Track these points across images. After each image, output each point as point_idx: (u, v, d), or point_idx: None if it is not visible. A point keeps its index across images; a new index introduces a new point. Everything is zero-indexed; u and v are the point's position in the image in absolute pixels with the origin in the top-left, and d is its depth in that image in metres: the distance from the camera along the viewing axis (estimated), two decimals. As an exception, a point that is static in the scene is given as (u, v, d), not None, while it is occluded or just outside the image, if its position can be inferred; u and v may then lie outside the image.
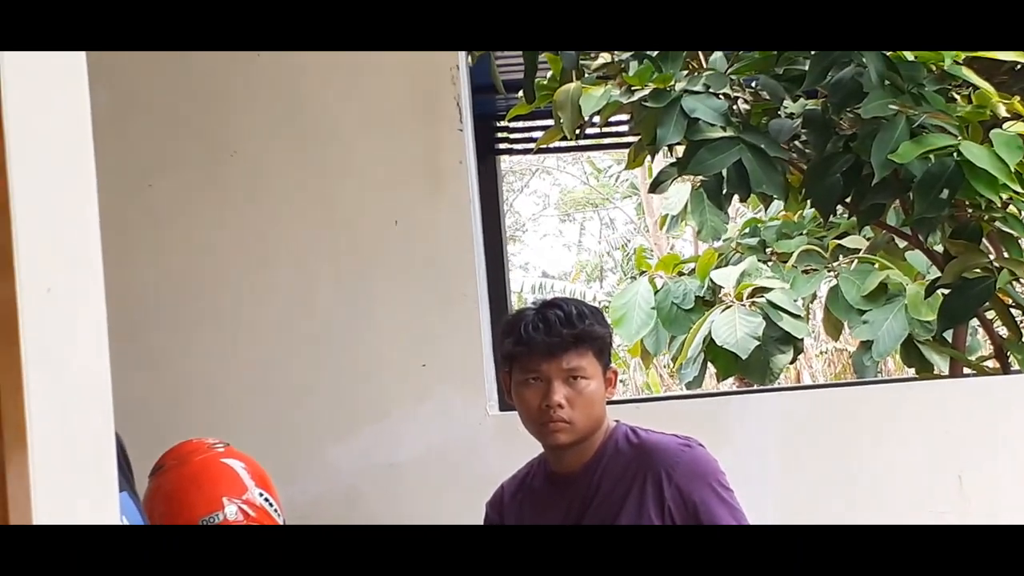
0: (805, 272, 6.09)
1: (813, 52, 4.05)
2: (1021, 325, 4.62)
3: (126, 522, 2.36)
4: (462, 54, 4.19)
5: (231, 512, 2.97)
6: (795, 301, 5.66)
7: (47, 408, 1.19)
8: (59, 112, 1.35)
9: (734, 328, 5.34)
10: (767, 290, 5.57)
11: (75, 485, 1.28)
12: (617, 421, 3.11)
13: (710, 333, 5.43)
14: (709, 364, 5.64)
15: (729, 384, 5.86)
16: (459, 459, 4.02)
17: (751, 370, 5.45)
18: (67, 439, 1.26)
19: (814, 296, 6.95)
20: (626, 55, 4.46)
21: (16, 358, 1.15)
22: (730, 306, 5.52)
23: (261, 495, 3.04)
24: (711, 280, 5.94)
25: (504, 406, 3.98)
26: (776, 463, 4.03)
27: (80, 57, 1.38)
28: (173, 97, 4.15)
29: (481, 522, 3.21)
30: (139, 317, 4.03)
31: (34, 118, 1.26)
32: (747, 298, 5.56)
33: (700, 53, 4.49)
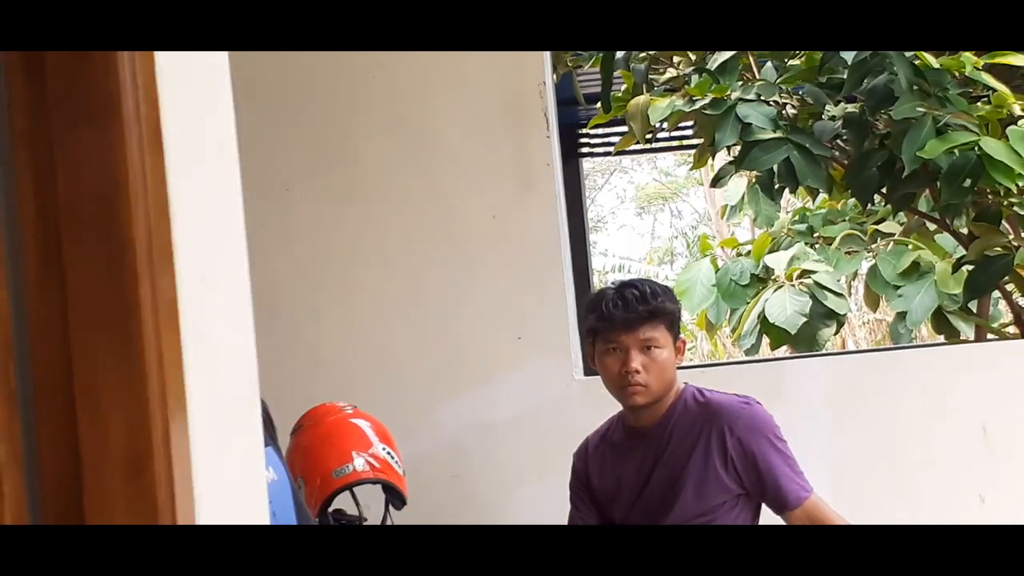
0: (847, 253, 6.01)
1: (851, 63, 4.02)
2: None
3: (271, 471, 2.39)
4: (548, 71, 4.18)
5: (359, 464, 3.00)
6: (838, 281, 5.59)
7: (203, 379, 1.21)
8: (210, 125, 1.36)
9: (784, 307, 5.29)
10: (813, 272, 5.51)
11: (227, 442, 1.30)
12: (686, 383, 3.10)
13: (763, 311, 5.39)
14: (764, 335, 5.60)
15: (783, 351, 5.80)
16: (549, 417, 4.02)
17: (800, 342, 5.41)
18: (220, 404, 1.28)
19: (856, 274, 6.86)
20: (688, 70, 4.45)
21: (177, 337, 1.17)
22: (781, 286, 5.47)
23: (384, 449, 3.06)
24: (764, 263, 5.90)
25: (588, 372, 3.98)
26: (825, 418, 4.00)
27: (225, 73, 1.39)
28: (305, 110, 4.19)
29: (569, 470, 3.22)
30: (279, 302, 4.08)
31: (188, 131, 1.28)
32: (796, 279, 5.50)
33: (753, 65, 4.45)
